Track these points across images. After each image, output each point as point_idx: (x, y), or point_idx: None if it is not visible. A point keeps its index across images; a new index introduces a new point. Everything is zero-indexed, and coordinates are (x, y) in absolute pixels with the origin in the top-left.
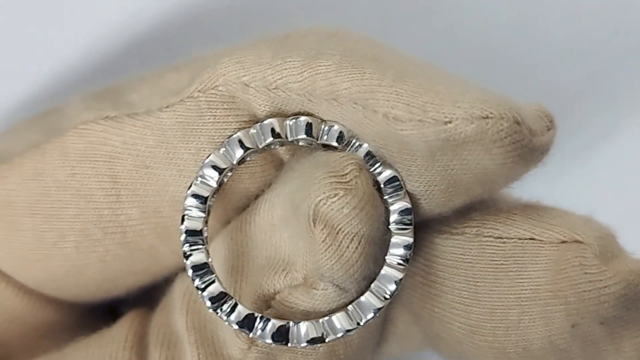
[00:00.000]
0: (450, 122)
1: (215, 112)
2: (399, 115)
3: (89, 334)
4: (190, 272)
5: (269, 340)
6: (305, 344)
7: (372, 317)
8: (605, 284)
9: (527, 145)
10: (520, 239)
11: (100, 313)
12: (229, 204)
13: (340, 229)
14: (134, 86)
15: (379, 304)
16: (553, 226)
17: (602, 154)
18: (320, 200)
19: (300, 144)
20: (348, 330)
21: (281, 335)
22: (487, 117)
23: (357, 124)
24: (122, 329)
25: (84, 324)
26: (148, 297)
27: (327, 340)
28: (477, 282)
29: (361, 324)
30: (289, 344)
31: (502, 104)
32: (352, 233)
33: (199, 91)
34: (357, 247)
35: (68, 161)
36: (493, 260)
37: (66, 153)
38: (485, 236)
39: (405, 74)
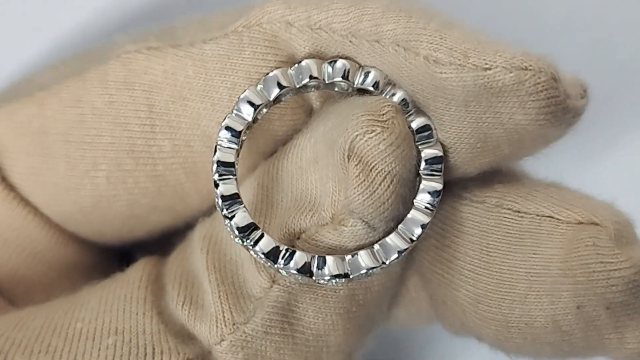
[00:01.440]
0: (489, 69)
1: (256, 48)
2: (440, 58)
3: (103, 279)
4: (219, 201)
5: (294, 272)
6: (328, 278)
7: (396, 258)
8: (616, 267)
9: (561, 104)
10: (538, 215)
11: (116, 262)
12: (257, 148)
13: (374, 166)
14: (180, 26)
15: (404, 245)
16: (572, 206)
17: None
18: (357, 135)
19: (336, 88)
20: (372, 268)
21: (305, 268)
22: (527, 69)
23: (396, 67)
24: (137, 271)
25: (101, 270)
26: (162, 249)
27: (351, 276)
28: (490, 252)
29: (386, 263)
30: (314, 278)
31: (542, 59)
32: (385, 171)
33: (243, 26)
34: (389, 186)
35: (107, 89)
36: (509, 233)
37: (106, 81)
38: (505, 208)
39: (450, 24)
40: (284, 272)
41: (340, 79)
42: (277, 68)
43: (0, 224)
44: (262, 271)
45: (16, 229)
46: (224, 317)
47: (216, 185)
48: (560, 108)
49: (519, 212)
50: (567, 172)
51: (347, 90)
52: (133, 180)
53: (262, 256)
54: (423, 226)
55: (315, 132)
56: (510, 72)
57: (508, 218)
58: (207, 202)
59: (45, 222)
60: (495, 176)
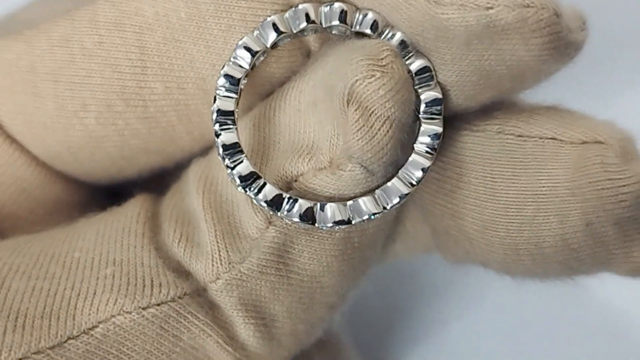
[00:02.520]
0: (492, 7)
1: None
2: None
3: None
4: (220, 150)
5: (296, 219)
6: (331, 225)
7: (398, 203)
8: (624, 183)
9: (564, 39)
10: (541, 137)
11: (107, 200)
12: (253, 89)
13: (373, 111)
14: None
15: (405, 190)
16: (575, 127)
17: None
18: (357, 80)
19: (334, 32)
20: (374, 214)
21: (308, 216)
22: (529, 6)
23: (395, 9)
24: (135, 206)
25: (90, 208)
26: (155, 188)
27: (353, 222)
28: (495, 178)
29: (387, 208)
30: (316, 224)
31: None
32: (384, 116)
33: None
34: (388, 130)
35: (97, 29)
36: (513, 158)
37: (96, 21)
38: (507, 134)
39: None
40: (286, 220)
41: (337, 22)
42: (273, 11)
43: None
44: (258, 212)
45: (1, 165)
46: (219, 255)
47: (217, 135)
48: (563, 43)
49: (521, 136)
50: None
51: (345, 33)
52: (123, 121)
53: (265, 205)
54: (424, 170)
55: (314, 75)
56: (513, 10)
57: (511, 143)
58: (199, 144)
59: (32, 159)
60: (494, 105)
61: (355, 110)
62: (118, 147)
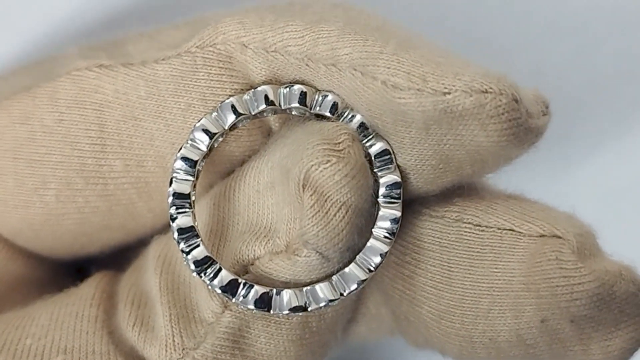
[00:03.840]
0: (449, 93)
1: (210, 69)
2: (398, 83)
3: (57, 293)
4: (176, 234)
5: (251, 307)
6: (287, 312)
7: (356, 289)
8: (579, 281)
9: (523, 125)
10: (499, 228)
11: (70, 275)
12: (213, 168)
13: (329, 197)
14: (131, 40)
15: (363, 276)
16: (533, 219)
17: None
18: (312, 165)
19: (293, 113)
20: (331, 300)
21: (263, 302)
22: (487, 92)
23: (354, 92)
24: (90, 287)
25: (54, 283)
26: (117, 263)
27: (309, 309)
28: (452, 267)
29: (344, 294)
30: (271, 311)
31: (502, 80)
32: (340, 202)
33: (196, 47)
34: (344, 217)
35: (57, 107)
36: (470, 247)
37: (56, 98)
38: (465, 222)
39: (408, 45)
40: (241, 306)
41: (297, 104)
42: (233, 90)
43: None
44: (214, 296)
45: None
46: (173, 341)
47: (173, 219)
48: (523, 129)
49: (479, 225)
50: (545, 179)
51: (305, 114)
52: (83, 199)
53: (219, 290)
54: (382, 255)
55: (272, 156)
56: (471, 96)
57: (468, 232)
58: (161, 221)
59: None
60: (454, 190)
61: (311, 195)
62: (79, 224)
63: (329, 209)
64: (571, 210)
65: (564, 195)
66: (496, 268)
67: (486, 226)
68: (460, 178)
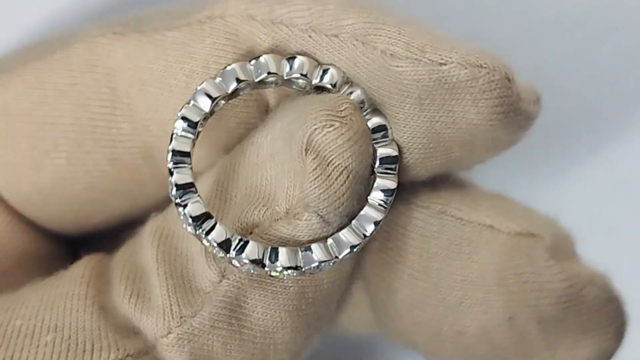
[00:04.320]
0: (445, 64)
1: (216, 39)
2: (397, 52)
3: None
4: (173, 189)
5: (246, 261)
6: (280, 269)
7: (348, 253)
8: (549, 279)
9: (514, 104)
10: (479, 224)
11: (71, 256)
12: (211, 141)
13: (331, 161)
14: (147, 16)
15: (356, 241)
16: (513, 217)
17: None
18: (316, 129)
19: (294, 85)
20: (324, 262)
21: (258, 259)
22: (481, 66)
23: (354, 63)
24: (79, 268)
25: (56, 263)
26: (107, 248)
27: (303, 269)
28: (430, 257)
29: (339, 257)
30: (265, 268)
31: (497, 59)
32: (342, 166)
33: (206, 17)
34: (345, 181)
35: (71, 71)
36: (449, 240)
37: (70, 63)
38: (448, 215)
39: (408, 21)
40: (236, 262)
41: (298, 75)
42: (235, 61)
43: None
44: (212, 265)
45: None
46: (171, 309)
47: (170, 174)
48: (512, 108)
49: (461, 219)
50: (544, 175)
51: (305, 87)
52: (92, 162)
53: (215, 245)
54: (376, 223)
55: (272, 128)
56: (465, 69)
57: (450, 225)
58: (164, 191)
59: (4, 208)
60: (443, 184)
61: (314, 159)
62: (87, 189)
63: (331, 172)
64: (555, 214)
65: (564, 190)
66: (472, 261)
67: (468, 220)
68: (450, 163)
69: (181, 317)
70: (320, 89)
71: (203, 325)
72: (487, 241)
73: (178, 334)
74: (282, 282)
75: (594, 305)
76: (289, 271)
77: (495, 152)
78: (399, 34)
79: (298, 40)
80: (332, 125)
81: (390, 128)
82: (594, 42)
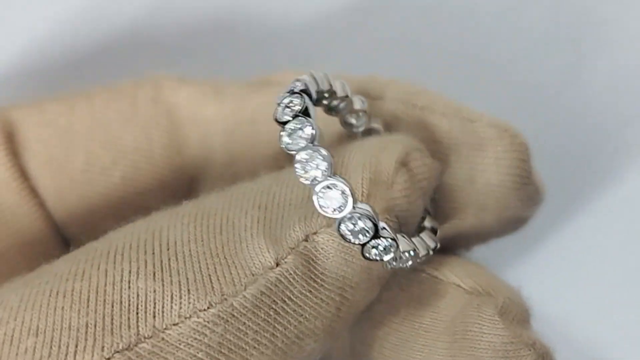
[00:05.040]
0: (475, 121)
1: (268, 98)
2: (435, 109)
3: None
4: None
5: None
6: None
7: (425, 255)
8: (491, 332)
9: (529, 170)
10: (451, 282)
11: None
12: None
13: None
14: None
15: (432, 245)
16: (478, 280)
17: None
18: (413, 150)
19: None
20: (433, 249)
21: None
22: (507, 130)
23: (395, 117)
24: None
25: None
26: None
27: (420, 254)
28: (400, 309)
29: (430, 253)
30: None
31: (516, 129)
32: (422, 188)
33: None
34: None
35: (135, 100)
36: (423, 293)
37: (136, 95)
38: (426, 273)
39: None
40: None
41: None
42: None
43: (4, 208)
44: (270, 248)
45: (17, 214)
46: (212, 285)
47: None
48: (528, 173)
49: (436, 278)
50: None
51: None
52: (144, 184)
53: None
54: (436, 243)
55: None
56: (493, 128)
57: (427, 281)
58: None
59: (46, 217)
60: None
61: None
62: (131, 207)
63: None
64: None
65: (557, 199)
66: (431, 311)
67: (442, 280)
68: (462, 222)
69: (223, 295)
70: (369, 131)
71: (244, 307)
72: (451, 296)
73: (218, 311)
74: (329, 291)
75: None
76: (407, 254)
77: (505, 226)
78: (439, 98)
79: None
80: (421, 151)
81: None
82: (590, 60)
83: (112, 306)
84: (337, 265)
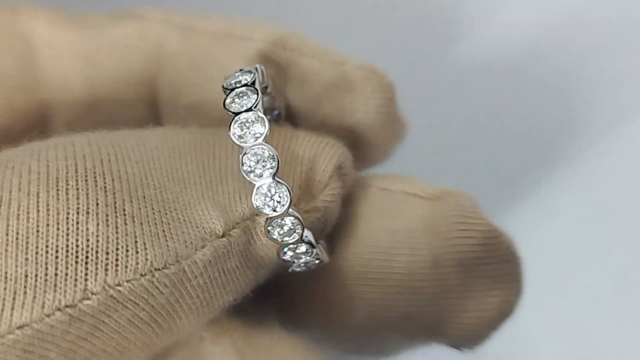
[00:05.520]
0: (345, 64)
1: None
2: (304, 51)
3: None
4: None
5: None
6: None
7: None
8: (474, 222)
9: (395, 108)
10: (403, 192)
11: None
12: None
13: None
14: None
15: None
16: (430, 187)
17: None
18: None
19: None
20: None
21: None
22: (375, 72)
23: (266, 60)
24: None
25: None
26: None
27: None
28: (357, 218)
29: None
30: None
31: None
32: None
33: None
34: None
35: None
36: (375, 204)
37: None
38: (374, 187)
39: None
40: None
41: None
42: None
43: None
44: (220, 217)
45: None
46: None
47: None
48: (394, 111)
49: (386, 189)
50: (527, 191)
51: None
52: None
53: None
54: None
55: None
56: (362, 70)
57: (377, 194)
58: None
59: None
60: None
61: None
62: None
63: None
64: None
65: (548, 208)
66: (399, 217)
67: (392, 190)
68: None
69: (177, 256)
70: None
71: (192, 271)
72: (413, 204)
73: (172, 273)
74: (249, 269)
75: (505, 255)
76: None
77: (370, 161)
78: (308, 41)
79: None
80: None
81: None
82: (577, 65)
83: (57, 253)
84: (264, 249)
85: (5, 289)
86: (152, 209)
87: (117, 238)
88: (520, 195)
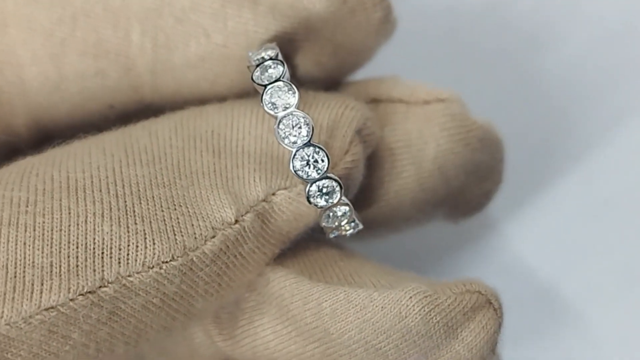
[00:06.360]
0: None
1: None
2: None
3: None
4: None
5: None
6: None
7: None
8: (470, 128)
9: (392, 14)
10: (390, 100)
11: None
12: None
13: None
14: None
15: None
16: (416, 90)
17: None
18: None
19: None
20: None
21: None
22: None
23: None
24: None
25: None
26: None
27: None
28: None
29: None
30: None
31: None
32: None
33: None
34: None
35: None
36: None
37: None
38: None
39: None
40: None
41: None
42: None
43: None
44: (232, 205)
45: None
46: (175, 238)
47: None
48: (391, 17)
49: (375, 100)
50: (530, 187)
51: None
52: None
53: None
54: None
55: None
56: None
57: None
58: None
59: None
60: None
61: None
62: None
63: None
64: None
65: (548, 201)
66: (394, 130)
67: (379, 100)
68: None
69: (185, 248)
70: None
71: (202, 261)
72: (403, 113)
73: (180, 264)
74: (273, 245)
75: (494, 146)
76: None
77: (362, 58)
78: None
79: None
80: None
81: None
82: (579, 60)
83: (78, 248)
84: (286, 224)
85: (33, 275)
86: (161, 206)
87: (129, 236)
88: (520, 190)
